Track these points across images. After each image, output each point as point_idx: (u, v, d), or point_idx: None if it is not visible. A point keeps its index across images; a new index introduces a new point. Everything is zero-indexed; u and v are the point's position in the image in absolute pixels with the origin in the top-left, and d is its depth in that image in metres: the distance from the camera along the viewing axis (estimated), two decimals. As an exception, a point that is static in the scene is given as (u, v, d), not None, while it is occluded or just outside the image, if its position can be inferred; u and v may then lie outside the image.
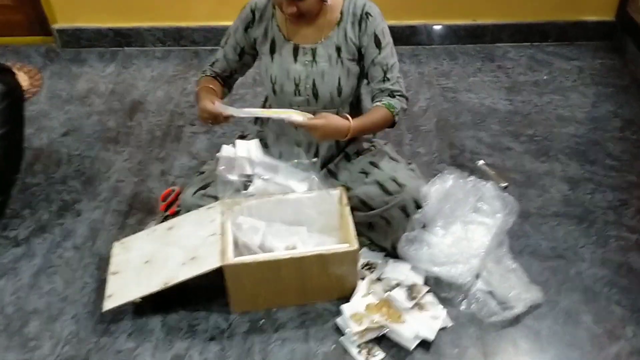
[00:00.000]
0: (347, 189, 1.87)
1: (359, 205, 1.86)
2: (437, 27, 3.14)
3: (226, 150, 1.89)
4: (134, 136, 2.58)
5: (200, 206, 1.87)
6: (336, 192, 1.87)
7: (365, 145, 1.98)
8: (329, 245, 1.83)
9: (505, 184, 2.25)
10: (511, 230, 1.97)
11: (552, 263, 1.95)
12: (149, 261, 1.82)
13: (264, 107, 1.97)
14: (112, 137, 2.57)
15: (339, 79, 1.77)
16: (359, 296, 1.79)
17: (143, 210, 2.18)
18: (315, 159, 1.88)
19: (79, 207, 2.20)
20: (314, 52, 1.76)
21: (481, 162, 2.37)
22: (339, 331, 1.73)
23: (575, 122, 2.59)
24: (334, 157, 1.95)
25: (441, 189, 1.95)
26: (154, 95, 2.84)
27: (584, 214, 2.13)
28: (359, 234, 1.77)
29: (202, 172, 1.98)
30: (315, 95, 1.79)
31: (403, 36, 3.11)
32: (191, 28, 3.19)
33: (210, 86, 1.85)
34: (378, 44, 1.76)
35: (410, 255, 1.85)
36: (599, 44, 3.11)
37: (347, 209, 1.80)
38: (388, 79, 1.78)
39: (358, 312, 1.74)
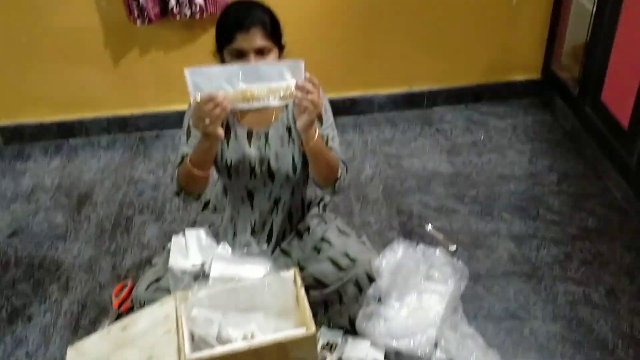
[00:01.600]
0: (301, 268, 1.89)
1: (313, 284, 1.88)
2: (376, 96, 3.26)
3: (176, 241, 1.90)
4: (83, 231, 2.55)
5: (154, 300, 1.85)
6: (290, 274, 1.88)
7: (316, 220, 2.02)
8: (287, 329, 1.82)
9: (454, 248, 2.31)
10: (464, 295, 2.01)
11: (507, 324, 1.99)
12: (104, 365, 1.77)
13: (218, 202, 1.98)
14: (61, 234, 2.54)
15: (293, 157, 1.81)
16: (321, 380, 1.78)
17: (96, 309, 2.14)
18: (265, 247, 1.90)
19: (30, 312, 2.14)
20: (266, 136, 1.81)
21: (429, 226, 2.44)
22: (304, 418, 1.71)
23: (515, 179, 2.70)
24: (286, 234, 1.98)
25: (392, 260, 1.99)
26: (102, 186, 2.83)
27: (532, 270, 2.20)
28: (316, 314, 1.78)
29: (154, 265, 1.97)
30: (271, 176, 1.83)
31: (344, 107, 3.21)
32: (136, 115, 3.22)
33: None
34: (320, 119, 1.79)
35: (368, 331, 1.87)
36: (529, 101, 3.28)
37: (302, 291, 1.81)
38: (331, 149, 1.79)
39: (321, 396, 1.72)
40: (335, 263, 1.85)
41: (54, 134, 3.22)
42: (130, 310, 1.99)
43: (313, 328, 1.71)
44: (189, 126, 1.80)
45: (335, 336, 1.94)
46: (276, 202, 1.89)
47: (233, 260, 1.91)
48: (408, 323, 1.87)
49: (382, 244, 2.29)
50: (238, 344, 1.71)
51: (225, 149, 1.83)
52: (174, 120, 3.16)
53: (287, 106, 1.81)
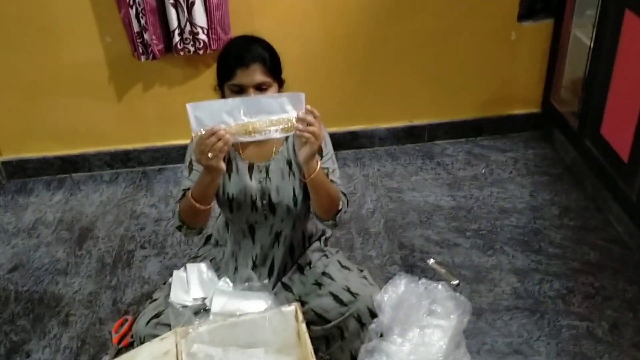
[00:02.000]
0: (302, 302, 1.88)
1: (314, 319, 1.86)
2: (377, 130, 3.29)
3: (177, 276, 1.89)
4: (84, 265, 2.55)
5: (155, 335, 1.83)
6: (291, 309, 1.87)
7: (317, 255, 2.01)
8: (288, 366, 1.81)
9: (457, 282, 2.30)
10: (467, 330, 1.99)
11: (510, 359, 1.97)
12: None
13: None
14: (62, 268, 2.54)
15: (293, 190, 1.82)
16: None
17: (95, 345, 2.13)
18: (266, 281, 1.90)
19: (28, 348, 2.13)
20: (267, 169, 1.82)
21: (431, 261, 2.43)
22: None
23: (516, 212, 2.70)
24: (287, 269, 1.97)
25: (394, 295, 1.97)
26: (103, 221, 2.84)
27: (535, 305, 2.19)
28: (317, 350, 1.76)
29: (154, 299, 1.96)
30: (272, 209, 1.83)
31: (345, 141, 3.23)
32: (138, 150, 3.24)
33: None
34: (320, 152, 1.80)
35: (370, 367, 1.85)
36: (529, 135, 3.30)
37: (303, 326, 1.80)
38: (332, 182, 1.79)
39: None
40: (336, 298, 1.84)
41: (56, 169, 3.24)
42: (131, 345, 1.98)
43: (315, 368, 1.69)
44: (191, 161, 1.81)
45: (337, 372, 1.91)
46: (277, 236, 1.89)
47: (234, 294, 1.90)
48: (410, 359, 1.85)
49: (383, 278, 2.29)
50: (239, 382, 1.69)
51: (227, 182, 1.84)
52: (177, 154, 3.19)
53: (287, 139, 1.82)
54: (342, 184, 1.85)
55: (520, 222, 2.64)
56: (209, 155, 1.55)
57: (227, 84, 1.69)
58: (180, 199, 1.80)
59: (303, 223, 1.95)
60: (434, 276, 2.32)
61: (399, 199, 2.84)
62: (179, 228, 1.81)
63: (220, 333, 1.84)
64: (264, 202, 1.83)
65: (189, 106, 1.53)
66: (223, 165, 1.59)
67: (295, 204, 1.84)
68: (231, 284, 1.90)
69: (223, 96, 1.72)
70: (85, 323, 2.23)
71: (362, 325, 1.85)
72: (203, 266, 1.91)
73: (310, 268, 1.97)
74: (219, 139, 1.53)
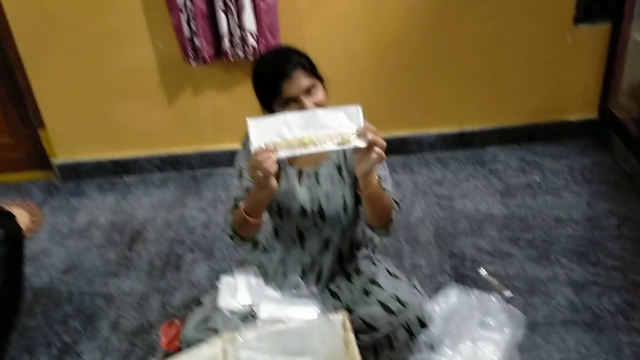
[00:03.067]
0: (349, 310, 1.84)
1: (362, 328, 1.82)
2: (426, 136, 3.23)
3: (225, 281, 1.88)
4: (134, 268, 2.57)
5: (202, 340, 1.82)
6: (339, 318, 1.83)
7: (365, 262, 1.98)
8: (336, 375, 1.77)
9: (510, 294, 2.22)
10: (521, 344, 1.92)
11: (567, 376, 1.89)
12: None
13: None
14: (112, 270, 2.57)
15: (343, 196, 1.80)
16: None
17: (144, 348, 2.14)
18: (314, 288, 1.87)
19: (79, 349, 2.15)
20: (316, 175, 1.80)
21: (483, 271, 2.36)
22: None
23: (573, 222, 2.60)
24: (335, 276, 1.94)
25: (445, 306, 1.93)
26: (154, 224, 2.87)
27: (593, 319, 2.09)
28: (364, 358, 1.72)
29: (202, 303, 1.95)
30: (322, 216, 1.81)
31: (393, 147, 3.17)
32: (188, 154, 3.27)
33: None
34: None
35: (420, 380, 1.80)
36: (585, 142, 3.18)
37: (351, 335, 1.76)
38: (385, 190, 1.75)
39: None
40: (385, 306, 1.80)
41: (109, 171, 3.30)
42: (179, 350, 1.98)
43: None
44: (241, 169, 1.80)
45: (386, 383, 1.87)
46: (326, 243, 1.86)
47: (282, 301, 1.88)
48: (462, 373, 1.79)
49: (433, 288, 2.24)
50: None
51: (276, 189, 1.82)
52: (226, 158, 3.20)
53: None
54: (394, 192, 1.80)
55: (577, 232, 2.53)
56: (259, 174, 1.54)
57: (275, 102, 1.67)
58: (233, 209, 1.80)
59: (352, 230, 1.92)
60: (485, 287, 2.25)
61: (450, 207, 2.78)
62: (231, 237, 1.81)
63: (268, 340, 1.82)
64: (314, 208, 1.81)
65: (249, 121, 1.53)
66: (275, 183, 1.58)
67: (344, 210, 1.81)
68: (279, 291, 1.88)
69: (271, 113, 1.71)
70: (135, 325, 2.25)
71: (412, 335, 1.79)
72: (251, 272, 1.90)
73: (358, 275, 1.93)
74: (269, 157, 1.52)
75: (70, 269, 2.60)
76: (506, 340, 1.89)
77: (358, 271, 1.94)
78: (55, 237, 2.83)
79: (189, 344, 1.85)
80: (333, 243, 1.87)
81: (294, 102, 1.64)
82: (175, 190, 3.14)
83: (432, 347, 1.82)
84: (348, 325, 1.79)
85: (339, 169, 1.81)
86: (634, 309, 2.12)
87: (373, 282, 1.89)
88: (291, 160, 1.81)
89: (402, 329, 1.78)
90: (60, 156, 3.29)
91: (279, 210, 1.82)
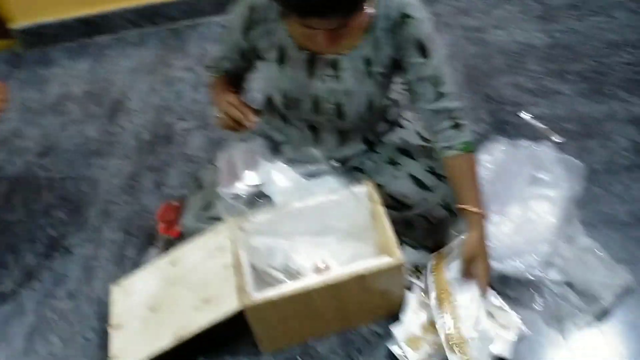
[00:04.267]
0: (377, 186, 1.57)
1: (391, 204, 1.56)
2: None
3: (224, 160, 1.60)
4: (120, 144, 2.29)
5: (205, 230, 1.60)
6: (363, 189, 1.57)
7: (389, 125, 1.65)
8: (365, 255, 1.54)
9: (560, 139, 1.93)
10: (578, 198, 1.66)
11: (635, 232, 1.66)
12: (154, 308, 1.56)
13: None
14: (94, 149, 2.29)
15: (369, 97, 1.45)
16: (410, 313, 1.51)
17: (141, 236, 1.91)
18: (334, 162, 1.58)
19: (68, 243, 1.93)
20: (335, 65, 1.42)
21: (526, 115, 2.05)
22: (394, 358, 1.46)
23: (629, 46, 2.25)
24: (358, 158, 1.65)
25: (491, 165, 1.64)
26: (136, 90, 2.54)
27: (662, 163, 1.82)
28: (396, 233, 1.47)
29: (202, 186, 1.69)
30: (340, 115, 1.48)
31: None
32: (166, 3, 2.86)
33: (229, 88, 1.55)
34: (423, 52, 1.38)
35: (464, 253, 1.56)
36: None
37: (379, 208, 1.51)
38: (443, 95, 1.41)
39: (413, 334, 1.46)
40: (418, 181, 1.52)
41: (78, 32, 2.92)
42: (181, 236, 1.76)
43: (400, 257, 1.42)
44: (231, 29, 1.48)
45: (423, 258, 1.64)
46: (346, 135, 1.57)
47: (296, 178, 1.60)
48: (514, 240, 1.55)
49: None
50: (311, 279, 1.45)
51: (278, 75, 1.46)
52: (210, 5, 2.81)
53: (368, 30, 1.38)
54: (457, 96, 1.44)
55: (635, 57, 2.19)
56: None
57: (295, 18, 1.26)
58: (217, 62, 1.53)
59: (382, 116, 1.61)
60: (531, 134, 1.95)
61: (481, 41, 2.41)
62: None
63: (283, 222, 1.58)
64: (330, 105, 1.46)
65: None
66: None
67: (370, 109, 1.47)
68: (291, 166, 1.60)
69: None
70: (128, 211, 2.01)
71: (452, 213, 1.53)
72: (255, 145, 1.61)
73: (383, 143, 1.63)
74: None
75: (47, 151, 2.32)
76: (563, 196, 1.63)
77: (381, 137, 1.64)
78: (26, 116, 2.52)
79: (191, 235, 1.63)
80: (354, 135, 1.57)
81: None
82: (156, 48, 2.77)
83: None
84: (375, 196, 1.54)
85: (368, 62, 1.42)
86: None
87: (402, 151, 1.60)
88: (299, 41, 1.41)
89: (439, 207, 1.52)
90: (21, 20, 2.90)
91: (285, 100, 1.49)
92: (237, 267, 1.47)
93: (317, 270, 1.57)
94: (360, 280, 1.43)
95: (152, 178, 2.11)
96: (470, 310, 1.40)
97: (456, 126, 1.43)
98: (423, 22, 1.37)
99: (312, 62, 1.42)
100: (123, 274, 1.72)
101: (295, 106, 1.48)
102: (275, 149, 1.64)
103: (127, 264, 1.82)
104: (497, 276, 1.53)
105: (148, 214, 1.98)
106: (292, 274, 1.55)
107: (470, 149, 1.44)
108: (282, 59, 1.43)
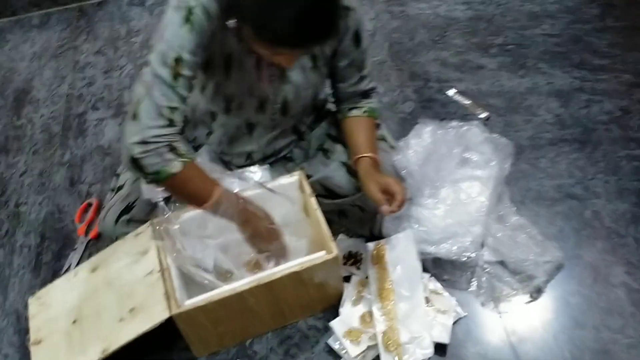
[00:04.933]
0: (307, 176, 1.52)
1: (323, 193, 1.53)
2: None
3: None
4: (27, 138, 2.15)
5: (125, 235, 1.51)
6: (293, 180, 1.52)
7: (314, 114, 1.61)
8: (299, 249, 1.50)
9: (486, 115, 1.94)
10: (507, 176, 1.68)
11: (562, 207, 1.69)
12: (77, 320, 1.47)
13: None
14: (1, 145, 2.12)
15: (316, 89, 1.46)
16: (348, 305, 1.49)
17: (58, 239, 1.80)
18: (265, 166, 1.53)
19: (-24, 251, 1.80)
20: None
21: (452, 91, 2.04)
22: (333, 353, 1.44)
23: (548, 17, 2.28)
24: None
25: (419, 148, 1.63)
26: (42, 78, 2.38)
27: (585, 134, 1.87)
28: (330, 222, 1.44)
29: (120, 186, 1.59)
30: (284, 111, 1.44)
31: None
32: (68, -19, 2.68)
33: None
34: (357, 42, 1.40)
35: (398, 239, 1.55)
36: None
37: (313, 200, 1.47)
38: (363, 78, 1.49)
39: (352, 327, 1.44)
40: (350, 169, 1.49)
41: (-29, 16, 2.69)
42: (100, 237, 1.66)
43: (335, 250, 1.39)
44: (179, 57, 1.18)
45: (358, 246, 1.62)
46: (282, 132, 1.53)
47: (219, 170, 1.53)
48: (447, 223, 1.55)
49: (397, 120, 1.93)
50: (244, 280, 1.39)
51: (224, 81, 1.37)
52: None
53: None
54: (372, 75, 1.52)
55: (555, 29, 2.23)
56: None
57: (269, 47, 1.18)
58: (168, 120, 1.20)
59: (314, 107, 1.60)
60: (458, 111, 1.95)
61: (403, 15, 2.39)
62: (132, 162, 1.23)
63: (210, 221, 1.50)
64: (275, 106, 1.42)
65: None
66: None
67: (314, 99, 1.50)
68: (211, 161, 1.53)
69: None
70: (41, 213, 1.88)
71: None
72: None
73: (311, 130, 1.59)
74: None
75: (-55, 151, 2.15)
76: (493, 175, 1.63)
77: (312, 125, 1.59)
78: None
79: (112, 241, 1.54)
80: (290, 129, 1.54)
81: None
82: (62, 31, 2.60)
83: (410, 199, 1.55)
84: (307, 188, 1.49)
85: (314, 58, 1.38)
86: (629, 115, 1.89)
87: (331, 137, 1.56)
88: (249, 46, 1.28)
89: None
90: None
91: (227, 105, 1.41)
92: (163, 272, 1.40)
93: (249, 265, 1.52)
94: (294, 277, 1.39)
95: (66, 175, 1.99)
96: (410, 312, 1.40)
97: (367, 96, 1.52)
98: (357, 11, 1.38)
99: (260, 64, 1.34)
100: (41, 282, 1.63)
101: (238, 108, 1.41)
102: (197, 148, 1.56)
103: (45, 271, 1.71)
104: (432, 260, 1.54)
105: (63, 215, 1.86)
106: (223, 274, 1.49)
107: (374, 114, 1.51)
108: (229, 64, 1.34)
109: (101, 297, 1.47)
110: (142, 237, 1.49)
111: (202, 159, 1.55)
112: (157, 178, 1.22)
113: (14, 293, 1.68)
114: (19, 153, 2.09)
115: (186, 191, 1.30)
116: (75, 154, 2.05)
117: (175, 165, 1.21)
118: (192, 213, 1.48)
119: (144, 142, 1.17)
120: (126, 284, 1.45)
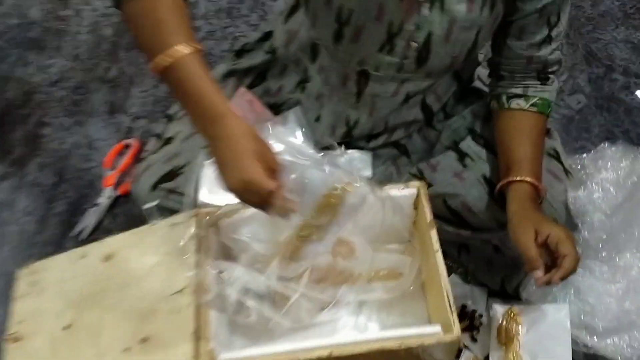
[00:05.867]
0: (428, 185, 1.02)
1: (443, 214, 1.05)
2: None
3: (207, 170, 1.06)
4: (70, 36, 1.74)
5: (163, 209, 1.09)
6: (407, 193, 1.02)
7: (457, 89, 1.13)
8: (397, 300, 1.03)
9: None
10: None
11: None
12: (71, 326, 1.06)
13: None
14: (35, 39, 1.73)
15: (479, 32, 0.95)
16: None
17: (78, 185, 1.41)
18: (368, 153, 1.06)
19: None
20: None
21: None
22: None
23: None
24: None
25: (608, 185, 1.10)
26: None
27: None
28: (444, 255, 0.96)
29: (169, 139, 1.14)
30: (423, 57, 0.96)
31: None
32: None
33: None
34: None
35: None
36: None
37: (434, 235, 0.97)
38: (550, 40, 1.00)
39: None
40: (492, 187, 1.02)
41: None
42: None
43: (457, 331, 0.91)
44: None
45: (477, 298, 1.14)
46: (407, 98, 1.04)
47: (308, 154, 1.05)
48: (624, 307, 1.05)
49: (559, 120, 1.40)
50: (311, 343, 0.94)
51: None
52: None
53: None
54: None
55: None
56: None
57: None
58: None
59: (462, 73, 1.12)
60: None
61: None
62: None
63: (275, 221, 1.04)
64: (412, 42, 0.93)
65: None
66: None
67: (468, 55, 1.00)
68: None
69: None
70: (65, 142, 1.49)
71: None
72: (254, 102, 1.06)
73: (445, 117, 1.13)
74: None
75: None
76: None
77: (449, 107, 1.12)
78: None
79: (142, 206, 1.11)
80: (418, 100, 1.06)
81: None
82: None
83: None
84: (428, 212, 0.99)
85: None
86: None
87: (476, 134, 1.08)
88: None
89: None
90: None
91: (339, 29, 0.94)
92: (199, 302, 0.96)
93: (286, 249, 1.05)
94: (387, 355, 0.93)
95: (106, 98, 1.59)
96: None
97: (544, 79, 1.05)
98: None
99: None
100: (44, 242, 1.28)
101: (352, 38, 0.95)
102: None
103: (53, 226, 1.33)
104: (588, 356, 1.05)
105: (93, 150, 1.44)
106: (277, 300, 1.04)
107: (546, 110, 1.05)
108: None
109: (109, 303, 1.06)
110: (178, 230, 1.05)
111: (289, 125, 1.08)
112: None
113: (9, 247, 1.29)
114: (57, 54, 1.68)
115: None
116: (124, 72, 1.64)
117: None
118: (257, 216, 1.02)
119: None
120: (146, 296, 1.03)
